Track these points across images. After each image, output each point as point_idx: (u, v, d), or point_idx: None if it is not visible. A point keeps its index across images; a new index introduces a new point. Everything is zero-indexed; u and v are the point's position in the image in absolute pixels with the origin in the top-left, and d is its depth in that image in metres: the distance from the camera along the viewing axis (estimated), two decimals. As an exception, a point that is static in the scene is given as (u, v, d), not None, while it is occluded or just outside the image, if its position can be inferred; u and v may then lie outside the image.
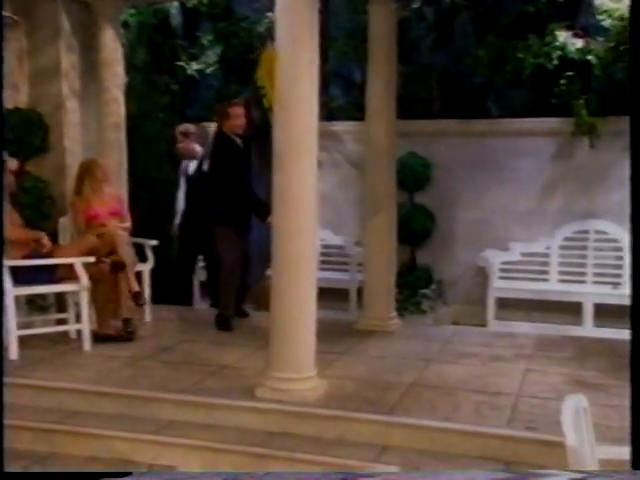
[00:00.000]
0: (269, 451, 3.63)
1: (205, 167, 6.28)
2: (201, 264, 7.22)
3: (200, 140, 7.00)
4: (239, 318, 5.82)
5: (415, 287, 6.75)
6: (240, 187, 5.55)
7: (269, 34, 5.08)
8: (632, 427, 2.03)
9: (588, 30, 6.65)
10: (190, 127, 7.06)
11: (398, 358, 4.76)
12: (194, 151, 6.90)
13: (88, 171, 5.45)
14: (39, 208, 5.79)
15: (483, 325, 6.47)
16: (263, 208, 5.15)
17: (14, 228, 5.00)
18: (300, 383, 3.98)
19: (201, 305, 7.17)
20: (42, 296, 5.40)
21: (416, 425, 3.68)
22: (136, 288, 5.37)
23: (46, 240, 5.10)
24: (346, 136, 7.36)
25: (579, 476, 2.19)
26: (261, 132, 5.60)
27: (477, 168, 6.52)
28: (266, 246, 4.89)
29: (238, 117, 5.60)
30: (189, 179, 6.84)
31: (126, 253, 5.25)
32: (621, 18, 6.18)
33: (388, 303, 5.58)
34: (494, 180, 6.78)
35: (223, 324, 5.56)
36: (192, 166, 6.81)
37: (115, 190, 5.77)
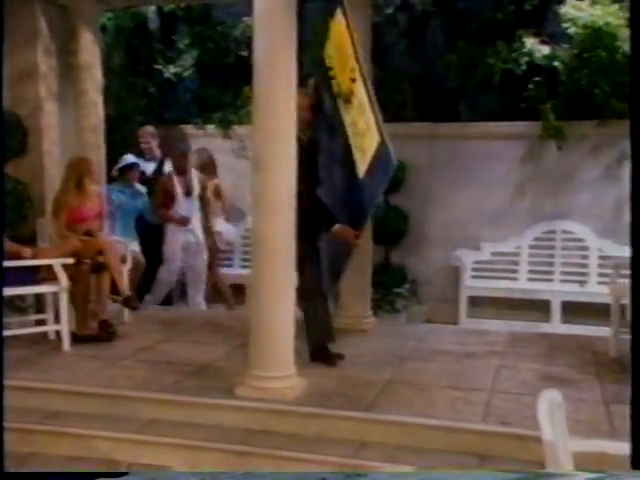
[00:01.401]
0: (250, 449, 3.61)
1: (166, 168, 6.72)
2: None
3: (160, 142, 7.13)
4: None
5: (389, 286, 6.76)
6: (307, 194, 4.32)
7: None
8: (632, 427, 2.04)
9: (554, 37, 6.72)
10: (152, 129, 7.15)
11: (374, 356, 4.76)
12: (154, 153, 7.10)
13: (83, 170, 5.37)
14: (18, 209, 5.69)
15: (455, 323, 6.51)
16: (328, 216, 4.49)
17: None
18: (279, 381, 3.96)
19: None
20: (21, 297, 5.31)
21: (394, 421, 3.68)
22: (127, 292, 5.32)
23: (28, 253, 5.02)
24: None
25: (594, 476, 2.21)
26: (328, 126, 4.72)
27: (449, 170, 6.56)
28: (339, 258, 4.71)
29: (302, 109, 4.30)
30: (146, 180, 7.01)
31: (113, 259, 5.21)
32: (585, 26, 6.26)
33: (364, 302, 5.58)
34: (466, 182, 6.83)
35: (324, 355, 4.50)
36: (150, 167, 7.01)
37: (98, 188, 5.72)
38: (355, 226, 4.50)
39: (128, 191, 6.78)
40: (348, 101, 4.49)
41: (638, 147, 2.23)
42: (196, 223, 6.65)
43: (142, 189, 6.87)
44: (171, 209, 6.55)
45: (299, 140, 4.13)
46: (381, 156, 4.22)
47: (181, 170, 6.60)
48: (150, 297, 6.75)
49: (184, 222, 6.56)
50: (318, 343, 4.50)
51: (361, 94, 4.37)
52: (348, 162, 4.54)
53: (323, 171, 4.66)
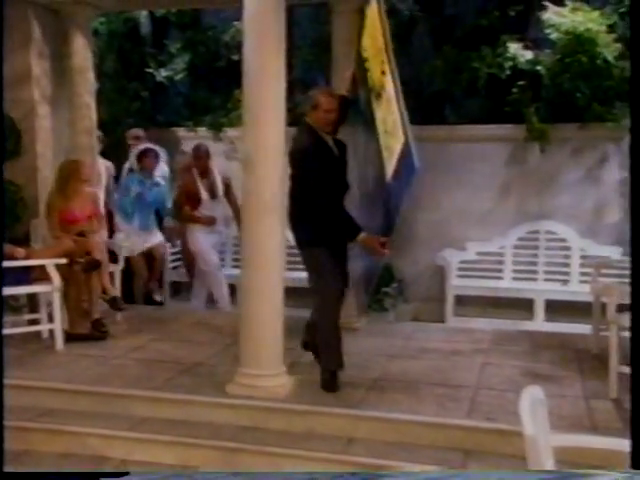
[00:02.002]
0: (241, 445, 3.62)
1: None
2: (171, 265, 7.20)
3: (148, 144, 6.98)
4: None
5: (378, 286, 6.77)
6: (335, 204, 3.98)
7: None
8: (632, 427, 2.06)
9: (537, 43, 6.76)
10: (140, 132, 7.10)
11: (363, 354, 4.77)
12: None
13: (72, 172, 5.35)
14: (11, 211, 5.68)
15: (442, 321, 6.53)
16: (352, 226, 3.96)
17: None
18: (270, 379, 3.96)
19: (171, 304, 7.10)
20: (14, 297, 5.29)
21: (381, 418, 3.70)
22: (113, 293, 5.31)
23: (21, 254, 4.99)
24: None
25: (623, 476, 2.22)
26: (363, 123, 4.41)
27: (436, 172, 6.57)
28: (369, 273, 4.53)
29: (330, 111, 3.99)
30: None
31: (100, 258, 5.18)
32: (566, 32, 6.29)
33: (355, 302, 5.58)
34: (452, 183, 6.85)
35: (328, 383, 4.03)
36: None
37: (92, 190, 5.70)
38: (383, 234, 3.98)
39: (148, 182, 6.59)
40: (379, 96, 4.19)
41: (638, 148, 2.23)
42: (220, 224, 6.60)
43: (161, 180, 6.74)
44: (196, 211, 6.44)
45: (323, 146, 3.95)
46: (406, 158, 3.80)
47: (204, 171, 6.45)
48: (193, 300, 6.74)
49: (211, 222, 6.46)
50: (331, 371, 4.04)
51: (390, 88, 4.02)
52: (378, 164, 4.15)
53: (356, 175, 4.36)
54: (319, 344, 4.12)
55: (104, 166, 6.72)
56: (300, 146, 3.97)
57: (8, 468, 3.64)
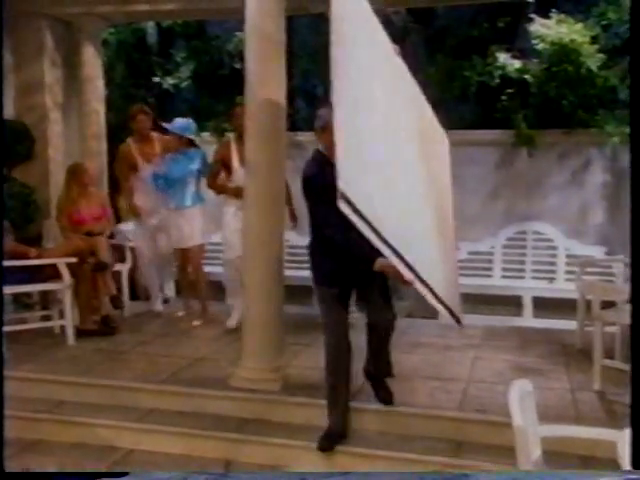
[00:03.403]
0: (243, 436, 3.62)
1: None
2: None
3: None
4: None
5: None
6: (345, 237, 3.12)
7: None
8: (632, 427, 2.05)
9: (525, 52, 6.76)
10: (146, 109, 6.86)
11: (359, 349, 4.73)
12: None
13: (74, 175, 5.34)
14: (24, 212, 5.68)
15: (435, 318, 6.52)
16: (368, 253, 3.04)
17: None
18: (270, 373, 3.96)
19: (177, 302, 7.07)
20: (28, 294, 5.29)
21: (377, 409, 3.69)
22: (114, 292, 5.29)
23: (33, 254, 4.98)
24: (310, 145, 7.34)
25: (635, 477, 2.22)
26: None
27: (428, 175, 6.54)
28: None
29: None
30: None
31: (105, 258, 5.17)
32: (552, 43, 6.31)
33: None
34: (444, 186, 6.83)
35: (323, 440, 3.44)
36: None
37: (99, 192, 5.69)
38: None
39: (181, 157, 5.40)
40: None
41: (638, 149, 2.22)
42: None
43: (197, 152, 5.50)
44: (228, 181, 5.34)
45: (331, 174, 2.72)
46: None
47: (240, 132, 4.86)
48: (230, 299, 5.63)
49: (239, 193, 4.88)
50: (335, 430, 3.47)
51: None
52: None
53: None
54: (329, 401, 3.51)
55: None
56: (306, 175, 3.33)
57: (11, 464, 3.64)
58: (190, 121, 5.56)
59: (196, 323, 5.46)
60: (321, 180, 3.14)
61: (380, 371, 3.80)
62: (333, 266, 3.41)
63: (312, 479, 3.16)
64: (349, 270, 3.38)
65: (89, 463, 3.58)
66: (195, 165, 5.42)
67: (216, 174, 5.38)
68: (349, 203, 2.56)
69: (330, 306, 3.44)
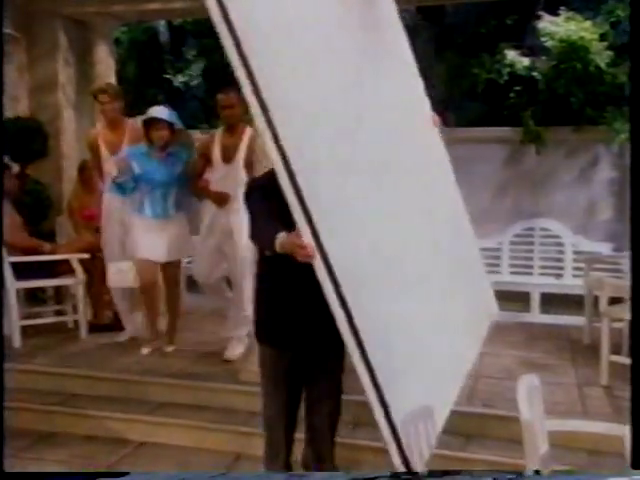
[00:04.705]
0: (253, 429, 3.61)
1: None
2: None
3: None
4: None
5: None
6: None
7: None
8: (632, 427, 2.04)
9: (533, 49, 6.73)
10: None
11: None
12: None
13: (85, 171, 5.35)
14: (38, 208, 5.70)
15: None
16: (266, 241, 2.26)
17: (16, 232, 4.90)
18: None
19: (188, 296, 7.08)
20: (42, 289, 5.32)
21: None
22: None
23: (47, 248, 5.00)
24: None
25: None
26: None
27: (436, 172, 6.53)
28: None
29: None
30: None
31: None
32: (561, 40, 6.26)
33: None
34: (452, 183, 6.82)
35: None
36: None
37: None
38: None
39: (156, 156, 4.31)
40: None
41: (638, 148, 2.21)
42: (239, 203, 3.92)
43: (182, 153, 4.42)
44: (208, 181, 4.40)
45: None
46: None
47: (228, 123, 4.26)
48: None
49: (221, 201, 4.27)
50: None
51: None
52: None
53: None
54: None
55: None
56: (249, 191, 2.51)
57: (26, 455, 3.66)
58: (169, 109, 4.37)
59: (146, 351, 4.56)
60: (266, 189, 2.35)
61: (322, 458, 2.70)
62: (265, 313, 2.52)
63: (316, 478, 3.15)
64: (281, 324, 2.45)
65: (101, 455, 3.59)
66: (180, 167, 4.39)
67: (200, 173, 4.40)
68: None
69: (265, 369, 2.55)
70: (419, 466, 2.05)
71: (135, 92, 7.73)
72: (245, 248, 4.17)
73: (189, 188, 4.45)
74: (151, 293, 4.45)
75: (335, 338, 2.03)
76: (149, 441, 3.73)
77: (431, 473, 2.32)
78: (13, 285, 4.70)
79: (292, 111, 2.04)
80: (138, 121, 4.45)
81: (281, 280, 2.41)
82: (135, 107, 7.51)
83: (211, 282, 4.44)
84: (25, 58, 5.86)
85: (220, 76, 7.82)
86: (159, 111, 4.27)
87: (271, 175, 2.25)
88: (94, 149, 4.77)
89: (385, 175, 2.46)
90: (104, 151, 4.69)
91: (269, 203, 2.27)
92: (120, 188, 4.36)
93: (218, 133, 4.34)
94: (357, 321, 1.97)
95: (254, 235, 2.37)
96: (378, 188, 2.37)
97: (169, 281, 4.60)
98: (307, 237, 1.96)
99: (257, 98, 1.92)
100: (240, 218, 4.04)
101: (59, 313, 5.24)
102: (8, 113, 5.64)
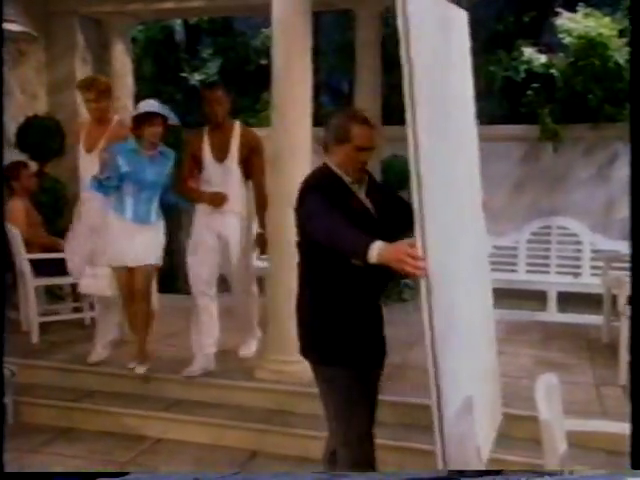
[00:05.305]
0: (268, 427, 3.63)
1: None
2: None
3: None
4: None
5: (398, 278, 6.75)
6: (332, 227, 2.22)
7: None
8: (632, 427, 2.02)
9: (551, 47, 6.68)
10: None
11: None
12: None
13: None
14: (55, 206, 5.74)
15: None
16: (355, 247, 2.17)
17: (35, 229, 4.95)
18: (296, 365, 3.93)
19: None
20: (59, 286, 5.36)
21: (402, 402, 3.67)
22: None
23: (64, 246, 5.03)
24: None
25: None
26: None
27: (453, 170, 6.52)
28: None
29: (366, 148, 2.41)
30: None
31: None
32: (579, 37, 6.22)
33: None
34: (468, 181, 6.79)
35: None
36: None
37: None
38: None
39: (146, 154, 3.97)
40: None
41: (638, 146, 2.19)
42: (237, 204, 4.12)
43: (170, 153, 4.10)
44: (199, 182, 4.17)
45: (353, 191, 2.41)
46: None
47: (214, 121, 4.09)
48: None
49: (217, 201, 4.06)
50: None
51: None
52: None
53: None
54: None
55: None
56: (305, 199, 2.41)
57: (45, 449, 3.70)
58: (160, 103, 4.09)
59: (141, 369, 4.13)
60: (329, 189, 2.36)
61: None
62: (338, 337, 2.42)
63: (325, 477, 3.15)
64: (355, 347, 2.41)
65: (118, 451, 3.62)
66: (169, 167, 4.08)
67: (187, 174, 4.14)
68: None
69: (341, 389, 2.45)
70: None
71: (152, 90, 7.78)
72: (245, 250, 4.12)
73: (176, 190, 4.13)
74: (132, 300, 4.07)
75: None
76: (166, 438, 3.75)
77: (463, 473, 2.32)
78: (32, 282, 4.75)
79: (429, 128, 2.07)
80: (127, 120, 4.18)
81: (352, 296, 2.39)
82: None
83: (211, 292, 4.13)
84: (43, 57, 5.91)
85: (236, 74, 7.86)
86: (153, 105, 3.99)
87: (329, 175, 2.42)
88: (74, 145, 4.47)
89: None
90: (81, 147, 4.34)
91: (337, 206, 2.25)
92: (102, 186, 3.94)
93: (205, 131, 4.15)
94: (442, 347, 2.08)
95: (332, 240, 2.19)
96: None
97: (139, 286, 4.03)
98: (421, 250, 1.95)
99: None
100: (238, 219, 4.08)
101: (76, 310, 5.28)
102: (26, 112, 5.69)
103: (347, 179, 2.43)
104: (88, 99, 4.21)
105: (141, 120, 3.92)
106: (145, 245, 4.02)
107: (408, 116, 1.90)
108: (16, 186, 5.05)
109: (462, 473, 2.38)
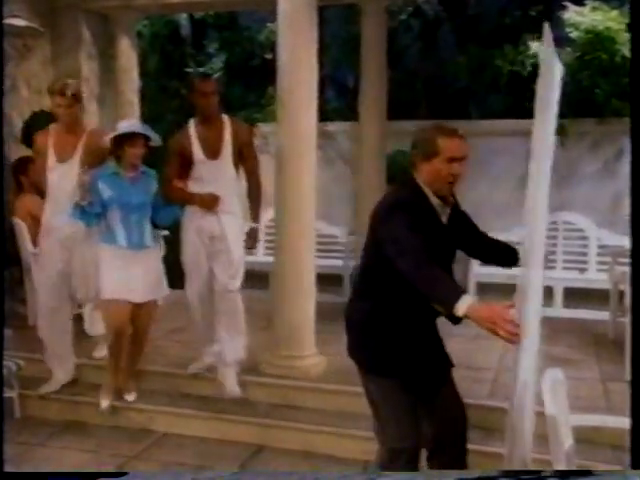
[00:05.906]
0: (274, 422, 3.64)
1: None
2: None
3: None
4: None
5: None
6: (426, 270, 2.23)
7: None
8: (632, 427, 2.02)
9: (557, 41, 6.63)
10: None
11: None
12: None
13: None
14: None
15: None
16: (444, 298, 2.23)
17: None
18: (302, 360, 3.97)
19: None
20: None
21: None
22: None
23: None
24: (339, 135, 7.33)
25: None
26: None
27: (459, 165, 6.51)
28: None
29: (456, 160, 2.43)
30: None
31: None
32: (586, 31, 6.18)
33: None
34: (474, 175, 6.74)
35: None
36: None
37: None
38: None
39: (127, 177, 3.73)
40: None
41: (638, 144, 2.20)
42: (231, 204, 3.88)
43: (152, 172, 3.85)
44: (188, 182, 3.89)
45: (428, 216, 2.40)
46: None
47: (203, 114, 3.87)
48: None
49: (210, 203, 3.82)
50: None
51: None
52: None
53: None
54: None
55: None
56: (398, 201, 2.40)
57: (53, 443, 3.72)
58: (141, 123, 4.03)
59: (105, 404, 3.86)
60: (416, 210, 2.35)
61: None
62: (397, 348, 2.47)
63: (326, 478, 3.16)
64: (414, 359, 2.50)
65: (125, 445, 3.64)
66: (155, 185, 3.84)
67: (173, 174, 3.86)
68: None
69: (392, 401, 2.52)
70: None
71: (157, 85, 7.79)
72: (241, 257, 3.86)
73: (162, 192, 3.83)
74: (122, 340, 3.75)
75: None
76: (171, 432, 3.77)
77: (506, 473, 2.33)
78: (38, 277, 4.77)
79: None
80: (105, 132, 3.91)
81: (414, 313, 2.48)
82: (158, 100, 7.60)
83: (207, 307, 3.97)
84: (49, 52, 5.91)
85: (241, 69, 7.85)
86: (134, 125, 3.80)
87: (417, 192, 2.41)
88: (41, 153, 3.93)
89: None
90: (51, 157, 3.88)
91: (421, 229, 2.28)
92: (85, 214, 3.63)
93: (192, 126, 3.87)
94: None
95: (421, 284, 2.20)
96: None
97: (141, 324, 3.87)
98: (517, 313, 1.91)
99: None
100: (235, 220, 3.84)
101: (80, 306, 5.28)
102: (32, 107, 5.70)
103: (434, 200, 2.44)
104: (59, 104, 3.82)
105: (122, 140, 3.65)
106: (147, 275, 3.77)
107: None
108: (24, 181, 5.06)
109: (518, 473, 2.40)
